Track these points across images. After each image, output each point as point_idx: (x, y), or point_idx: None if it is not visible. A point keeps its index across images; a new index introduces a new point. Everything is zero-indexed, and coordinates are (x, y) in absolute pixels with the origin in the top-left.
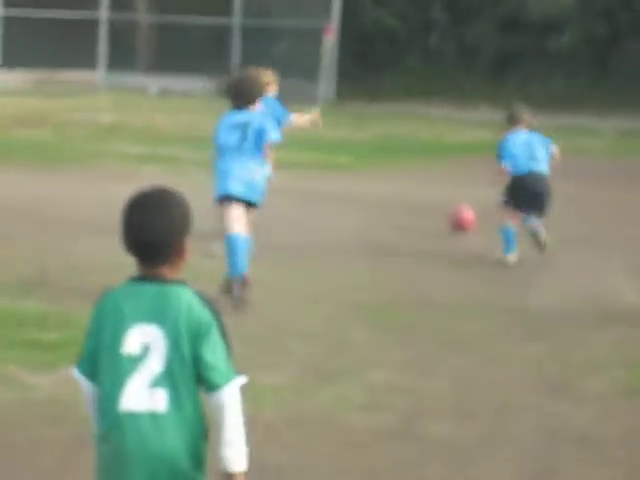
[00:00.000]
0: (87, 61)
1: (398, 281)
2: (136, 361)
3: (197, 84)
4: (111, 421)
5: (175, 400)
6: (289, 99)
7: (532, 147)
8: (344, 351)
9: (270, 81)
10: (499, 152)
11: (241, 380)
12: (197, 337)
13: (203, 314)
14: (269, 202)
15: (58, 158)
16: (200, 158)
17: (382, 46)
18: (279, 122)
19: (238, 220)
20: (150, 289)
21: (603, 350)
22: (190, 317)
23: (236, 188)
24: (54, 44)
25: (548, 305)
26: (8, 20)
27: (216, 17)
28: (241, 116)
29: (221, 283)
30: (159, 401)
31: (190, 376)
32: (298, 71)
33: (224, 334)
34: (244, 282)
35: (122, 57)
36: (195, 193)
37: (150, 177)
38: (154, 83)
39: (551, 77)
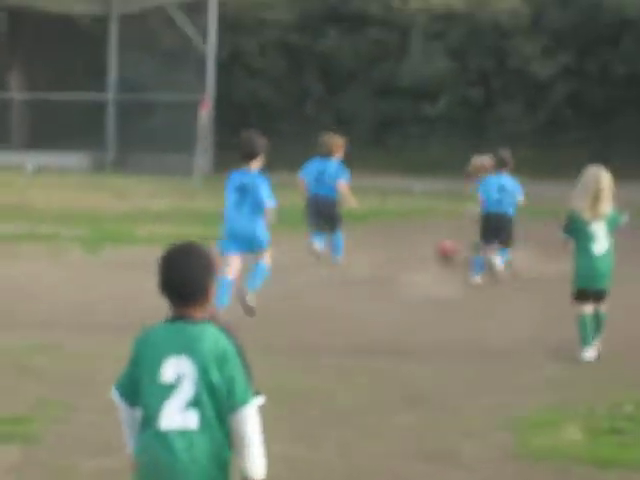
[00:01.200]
0: None
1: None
2: (171, 388)
3: (73, 160)
4: (151, 438)
5: (204, 419)
6: (167, 172)
7: (506, 191)
8: None
9: (338, 144)
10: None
11: (259, 400)
12: (222, 366)
13: (228, 346)
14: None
15: None
16: (79, 235)
17: (258, 116)
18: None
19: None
20: (181, 327)
21: (482, 415)
22: (218, 349)
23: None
24: None
25: (423, 371)
26: None
27: (91, 92)
28: (241, 178)
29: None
30: (191, 421)
31: (217, 398)
32: (175, 144)
33: (244, 360)
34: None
35: None
36: (74, 271)
37: (29, 257)
38: (30, 160)
39: (428, 141)
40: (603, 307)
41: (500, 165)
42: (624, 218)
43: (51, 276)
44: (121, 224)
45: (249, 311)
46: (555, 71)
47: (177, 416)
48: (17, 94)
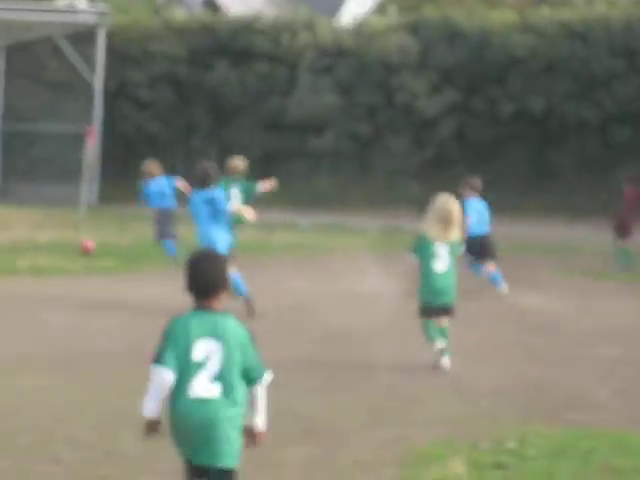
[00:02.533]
0: None
1: None
2: (201, 364)
3: None
4: (184, 404)
5: (225, 390)
6: (52, 203)
7: (483, 213)
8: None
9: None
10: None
11: (269, 375)
12: (243, 347)
13: (245, 331)
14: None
15: None
16: None
17: (144, 149)
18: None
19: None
20: (207, 315)
21: (372, 449)
22: (239, 334)
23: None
24: None
25: (317, 405)
26: None
27: None
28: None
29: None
30: (215, 391)
31: (236, 374)
32: (61, 175)
33: (254, 344)
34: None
35: None
36: None
37: None
38: None
39: (315, 175)
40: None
41: (473, 190)
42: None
43: None
44: (2, 255)
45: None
46: (442, 108)
47: (205, 387)
48: None
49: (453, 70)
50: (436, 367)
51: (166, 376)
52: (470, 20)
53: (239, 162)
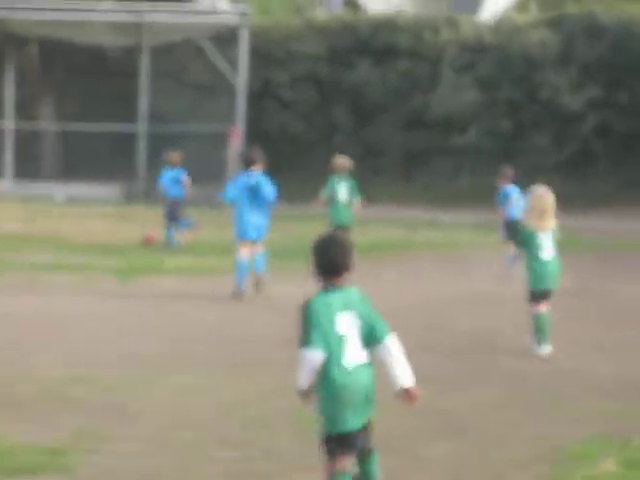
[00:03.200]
0: None
1: None
2: (345, 335)
3: (103, 191)
4: (342, 374)
5: (367, 355)
6: (197, 203)
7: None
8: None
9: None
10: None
11: (394, 334)
12: (369, 314)
13: (369, 301)
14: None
15: None
16: (109, 265)
17: (287, 149)
18: None
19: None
20: (340, 292)
21: (522, 446)
22: (365, 304)
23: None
24: None
25: (461, 401)
26: None
27: (121, 124)
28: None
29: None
30: (361, 357)
31: (370, 337)
32: (204, 175)
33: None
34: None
35: (28, 166)
36: (105, 302)
37: (62, 286)
38: (60, 191)
39: (457, 173)
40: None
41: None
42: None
43: (84, 306)
44: (151, 255)
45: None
46: (585, 102)
47: (354, 355)
48: (48, 125)
49: (594, 64)
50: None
51: (316, 357)
52: (610, 14)
53: (345, 160)
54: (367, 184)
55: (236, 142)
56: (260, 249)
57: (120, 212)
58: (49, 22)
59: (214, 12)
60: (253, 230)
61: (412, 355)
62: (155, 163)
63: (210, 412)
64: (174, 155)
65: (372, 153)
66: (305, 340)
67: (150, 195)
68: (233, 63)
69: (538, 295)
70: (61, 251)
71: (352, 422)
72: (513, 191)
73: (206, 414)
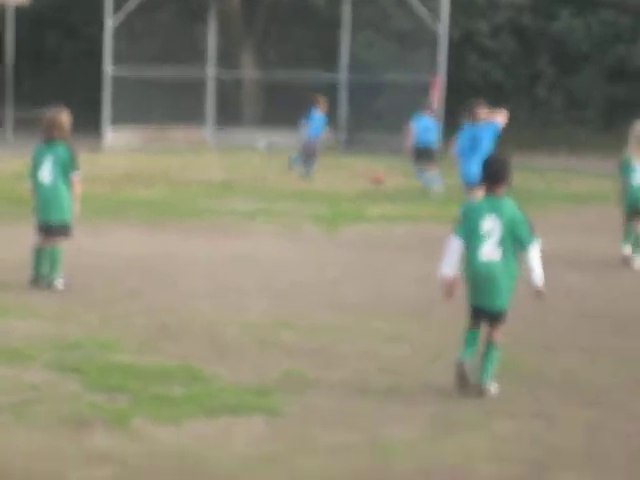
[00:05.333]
0: (195, 118)
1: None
2: (486, 235)
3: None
4: (476, 264)
5: (503, 254)
6: (396, 152)
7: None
8: (469, 402)
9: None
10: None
11: (538, 241)
12: (514, 222)
13: (517, 210)
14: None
15: (170, 215)
16: (312, 213)
17: (489, 99)
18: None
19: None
20: (492, 199)
21: None
22: (512, 212)
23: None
24: (162, 102)
25: (595, 369)
26: (117, 79)
27: (322, 72)
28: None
29: None
30: (496, 255)
31: (510, 243)
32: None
33: (527, 221)
34: None
35: (229, 114)
36: (308, 249)
37: (264, 233)
38: (262, 139)
39: None
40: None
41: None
42: None
43: (287, 252)
44: (354, 203)
45: None
46: None
47: (490, 252)
48: (250, 73)
49: None
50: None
51: (455, 244)
52: None
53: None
54: (570, 134)
55: (437, 92)
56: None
57: (322, 160)
58: None
59: None
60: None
61: None
62: (356, 113)
63: (413, 358)
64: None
65: (574, 104)
66: (454, 230)
67: (352, 144)
68: (434, 12)
69: (632, 214)
70: (265, 199)
71: (480, 301)
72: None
73: (409, 360)
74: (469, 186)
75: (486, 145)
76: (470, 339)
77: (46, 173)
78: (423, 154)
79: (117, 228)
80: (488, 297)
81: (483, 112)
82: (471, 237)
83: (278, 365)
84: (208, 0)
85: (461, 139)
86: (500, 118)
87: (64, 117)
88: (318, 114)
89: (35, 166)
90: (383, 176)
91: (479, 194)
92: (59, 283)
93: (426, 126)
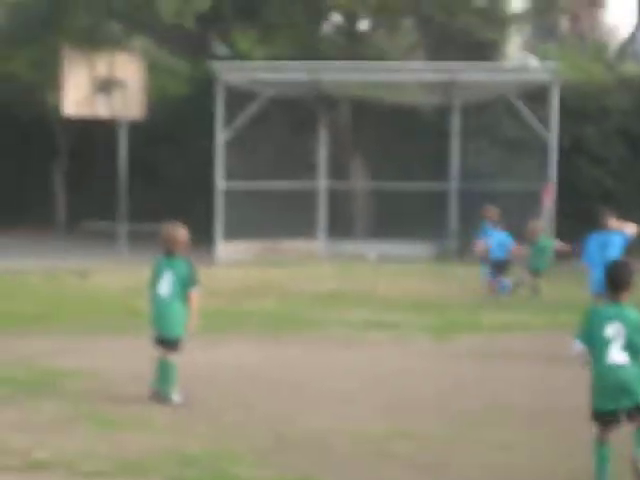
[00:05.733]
0: (306, 230)
1: None
2: (611, 339)
3: (416, 249)
4: (603, 367)
5: (631, 357)
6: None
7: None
8: None
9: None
10: None
11: None
12: (637, 330)
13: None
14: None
15: (283, 327)
16: (424, 324)
17: (600, 205)
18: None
19: None
20: (615, 305)
21: None
22: (636, 320)
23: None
24: (275, 215)
25: None
26: (228, 193)
27: (432, 182)
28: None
29: None
30: (623, 359)
31: (636, 349)
32: (516, 234)
33: None
34: None
35: (341, 225)
36: (420, 359)
37: (376, 344)
38: (372, 249)
39: None
40: None
41: None
42: None
43: (398, 363)
44: (467, 313)
45: None
46: None
47: (616, 356)
48: (360, 184)
49: None
50: None
51: (577, 346)
52: None
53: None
54: None
55: (549, 199)
56: None
57: (433, 270)
58: (361, 83)
59: (525, 69)
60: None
61: None
62: (467, 221)
63: (530, 470)
64: (491, 210)
65: None
66: (577, 333)
67: (463, 253)
68: (543, 119)
69: None
70: (376, 309)
71: (608, 405)
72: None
73: (526, 471)
74: (597, 294)
75: (615, 253)
76: (605, 455)
77: (164, 286)
78: (500, 266)
79: (232, 340)
80: (617, 400)
81: (613, 221)
82: (596, 342)
83: (392, 477)
84: (318, 112)
85: (590, 246)
86: (630, 229)
87: (181, 233)
88: (491, 225)
89: (154, 278)
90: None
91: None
92: (175, 396)
93: (500, 241)
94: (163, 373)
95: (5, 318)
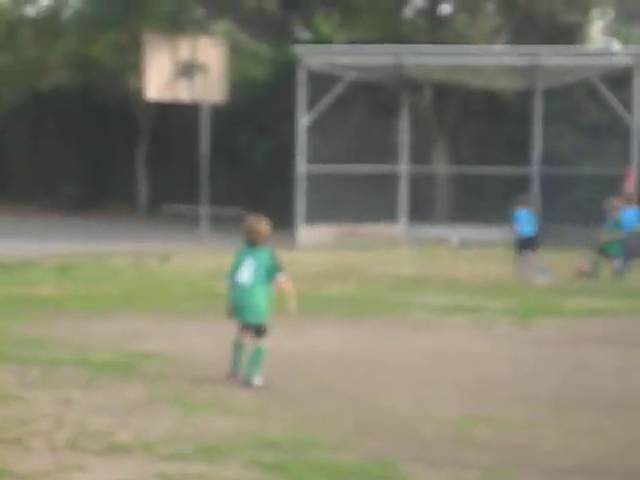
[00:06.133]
0: (387, 214)
1: None
2: None
3: (496, 234)
4: None
5: None
6: (591, 246)
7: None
8: None
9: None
10: None
11: None
12: None
13: None
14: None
15: (365, 311)
16: (504, 307)
17: None
18: None
19: None
20: None
21: None
22: None
23: None
24: (355, 199)
25: None
26: (309, 177)
27: (514, 167)
28: None
29: None
30: None
31: None
32: (599, 219)
33: None
34: None
35: (421, 209)
36: (500, 343)
37: (456, 328)
38: (454, 234)
39: None
40: None
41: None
42: None
43: (479, 347)
44: (548, 297)
45: None
46: None
47: None
48: (442, 168)
49: None
50: None
51: None
52: None
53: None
54: None
55: (632, 183)
56: None
57: (511, 255)
58: (444, 67)
59: (608, 53)
60: None
61: None
62: (550, 205)
63: (611, 454)
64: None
65: None
66: None
67: (545, 237)
68: (626, 103)
69: None
70: (456, 293)
71: None
72: None
73: (610, 457)
74: None
75: None
76: None
77: (246, 275)
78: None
79: (315, 324)
80: None
81: None
82: None
83: (475, 463)
84: (400, 95)
85: None
86: None
87: (264, 226)
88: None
89: (236, 267)
90: (586, 267)
91: None
92: (257, 380)
93: (526, 218)
94: (254, 357)
95: (88, 300)
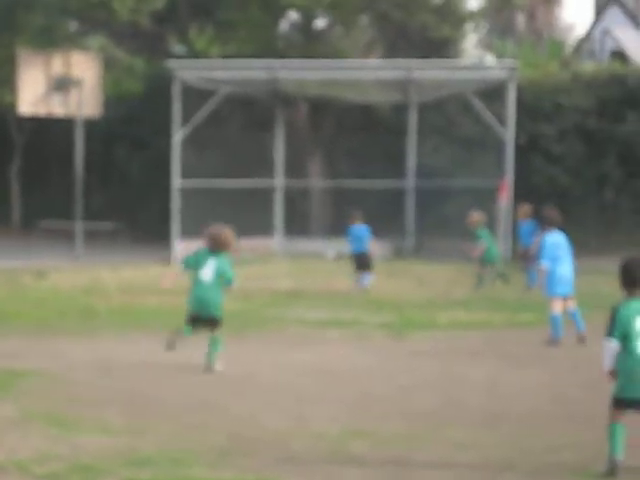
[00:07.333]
0: (263, 229)
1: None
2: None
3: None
4: (634, 359)
5: None
6: (464, 258)
7: None
8: None
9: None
10: None
11: None
12: None
13: None
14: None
15: (241, 325)
16: (381, 321)
17: (556, 202)
18: None
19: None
20: (638, 300)
21: None
22: None
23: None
24: (231, 213)
25: None
26: (185, 191)
27: (389, 180)
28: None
29: None
30: None
31: None
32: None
33: None
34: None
35: (298, 224)
36: (378, 357)
37: (333, 342)
38: (330, 248)
39: None
40: None
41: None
42: None
43: (356, 361)
44: (423, 310)
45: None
46: None
47: None
48: (318, 182)
49: None
50: None
51: (614, 345)
52: None
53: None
54: (638, 238)
55: (505, 196)
56: (572, 304)
57: (391, 268)
58: (319, 81)
59: (481, 67)
60: (564, 286)
61: None
62: (423, 218)
63: (487, 467)
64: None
65: None
66: (608, 332)
67: (420, 251)
68: (499, 117)
69: None
70: (332, 307)
71: (636, 391)
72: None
73: (483, 468)
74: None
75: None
76: (620, 428)
77: (209, 274)
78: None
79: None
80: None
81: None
82: (628, 336)
83: (349, 476)
84: (275, 110)
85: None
86: None
87: (225, 235)
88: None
89: (197, 263)
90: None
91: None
92: (218, 366)
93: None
94: (214, 346)
95: None
